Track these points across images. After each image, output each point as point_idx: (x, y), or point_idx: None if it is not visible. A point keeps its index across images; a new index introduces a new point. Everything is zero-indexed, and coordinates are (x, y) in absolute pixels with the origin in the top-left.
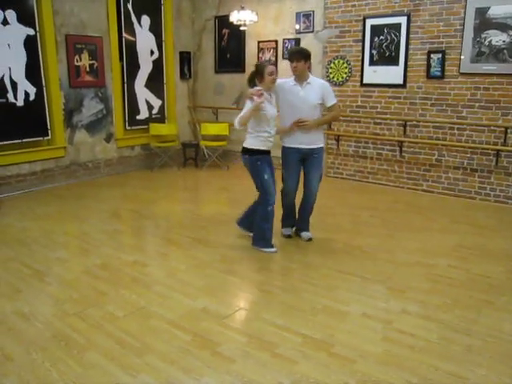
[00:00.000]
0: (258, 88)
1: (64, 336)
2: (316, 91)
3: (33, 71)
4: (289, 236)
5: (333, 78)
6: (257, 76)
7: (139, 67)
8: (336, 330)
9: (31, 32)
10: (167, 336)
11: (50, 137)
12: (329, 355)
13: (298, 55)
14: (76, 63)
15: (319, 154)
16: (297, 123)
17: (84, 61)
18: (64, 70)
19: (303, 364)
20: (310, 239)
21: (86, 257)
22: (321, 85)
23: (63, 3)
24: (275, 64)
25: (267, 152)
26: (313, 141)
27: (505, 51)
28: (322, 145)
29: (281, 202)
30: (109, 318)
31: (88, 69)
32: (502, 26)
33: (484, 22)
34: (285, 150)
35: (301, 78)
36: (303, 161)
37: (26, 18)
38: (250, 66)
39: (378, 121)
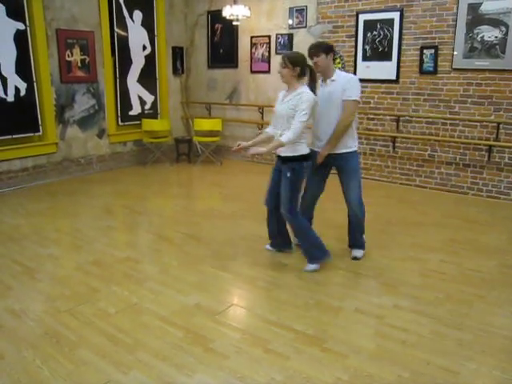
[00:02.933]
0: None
1: (55, 333)
2: (338, 88)
3: (23, 66)
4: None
5: None
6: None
7: (131, 62)
8: (329, 325)
9: (21, 27)
10: (159, 332)
11: (41, 132)
12: (321, 350)
13: (316, 49)
14: (67, 58)
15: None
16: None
17: (75, 56)
18: (55, 65)
19: (296, 359)
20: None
21: (77, 253)
22: (346, 79)
23: None
24: (268, 60)
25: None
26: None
27: (497, 47)
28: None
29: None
30: (101, 314)
31: (79, 64)
32: (494, 22)
33: (476, 17)
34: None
35: (324, 75)
36: None
37: (15, 13)
38: (242, 62)
39: (371, 116)
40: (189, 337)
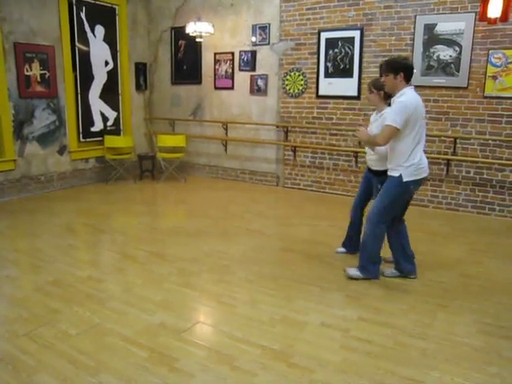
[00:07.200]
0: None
1: (12, 358)
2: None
3: None
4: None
5: (289, 89)
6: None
7: (93, 78)
8: (295, 340)
9: None
10: (123, 353)
11: None
12: (288, 366)
13: (384, 67)
14: (26, 73)
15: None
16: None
17: (35, 70)
18: (13, 80)
19: (262, 376)
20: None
21: (37, 274)
22: (394, 103)
23: (11, 10)
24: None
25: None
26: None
27: (452, 65)
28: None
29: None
30: (61, 336)
31: (39, 79)
32: (449, 42)
33: (432, 37)
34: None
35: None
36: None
37: None
38: (206, 78)
39: (334, 132)
40: (153, 357)
